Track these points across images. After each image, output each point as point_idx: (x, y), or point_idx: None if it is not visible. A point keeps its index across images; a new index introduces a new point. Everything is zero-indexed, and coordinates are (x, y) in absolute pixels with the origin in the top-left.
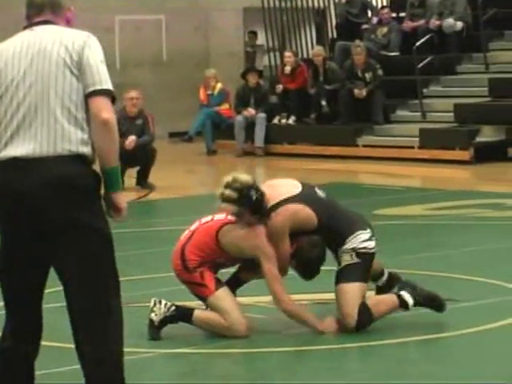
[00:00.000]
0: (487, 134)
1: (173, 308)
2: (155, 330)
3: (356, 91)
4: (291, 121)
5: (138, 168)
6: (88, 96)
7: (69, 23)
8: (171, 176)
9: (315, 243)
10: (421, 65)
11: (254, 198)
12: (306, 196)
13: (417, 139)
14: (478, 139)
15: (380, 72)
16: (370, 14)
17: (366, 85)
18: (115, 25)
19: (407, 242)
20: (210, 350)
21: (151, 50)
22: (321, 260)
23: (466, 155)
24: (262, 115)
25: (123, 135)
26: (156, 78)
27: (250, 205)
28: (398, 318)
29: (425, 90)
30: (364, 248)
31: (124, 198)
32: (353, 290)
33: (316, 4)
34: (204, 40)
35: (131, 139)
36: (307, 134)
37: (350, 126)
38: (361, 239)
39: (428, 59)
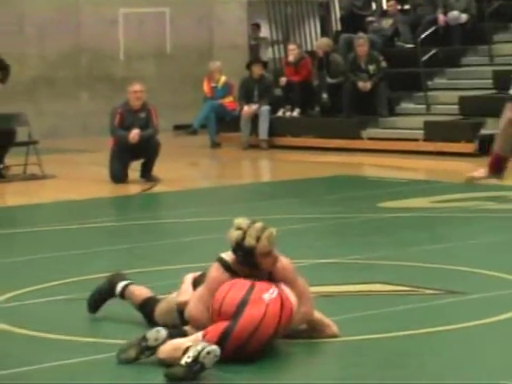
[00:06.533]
0: (492, 127)
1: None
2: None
3: (361, 84)
4: (295, 113)
5: (142, 161)
6: None
7: None
8: (175, 169)
9: None
10: (425, 57)
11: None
12: None
13: (421, 132)
14: (483, 131)
15: (384, 64)
16: (374, 6)
17: (369, 77)
18: (119, 18)
19: (411, 235)
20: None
21: (155, 43)
22: None
23: (470, 148)
24: (266, 108)
25: (127, 128)
26: (160, 71)
27: None
28: (399, 311)
29: (429, 83)
30: None
31: None
32: None
33: None
34: (207, 32)
35: (135, 132)
36: (311, 126)
37: (355, 119)
38: None
39: (433, 51)
